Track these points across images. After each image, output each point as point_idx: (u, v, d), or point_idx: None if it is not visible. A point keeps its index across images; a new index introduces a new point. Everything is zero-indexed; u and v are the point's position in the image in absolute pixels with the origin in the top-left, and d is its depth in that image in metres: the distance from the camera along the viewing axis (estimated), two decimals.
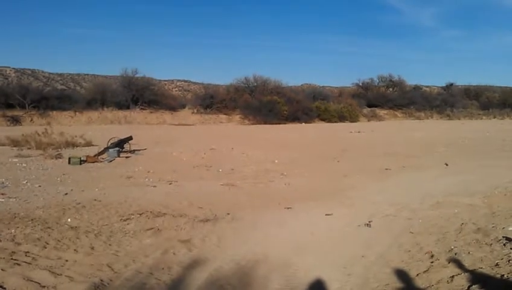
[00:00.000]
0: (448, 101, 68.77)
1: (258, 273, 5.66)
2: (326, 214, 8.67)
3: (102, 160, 16.41)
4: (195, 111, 52.17)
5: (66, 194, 10.38)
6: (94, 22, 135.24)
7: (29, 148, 18.94)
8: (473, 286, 4.62)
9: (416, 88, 76.90)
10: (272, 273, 5.66)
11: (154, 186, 11.89)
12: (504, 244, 5.83)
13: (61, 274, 5.35)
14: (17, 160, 15.79)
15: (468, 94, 76.54)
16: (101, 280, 5.24)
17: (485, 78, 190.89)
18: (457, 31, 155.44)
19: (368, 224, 7.83)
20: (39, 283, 5.05)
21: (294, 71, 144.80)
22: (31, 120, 41.08)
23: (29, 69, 70.37)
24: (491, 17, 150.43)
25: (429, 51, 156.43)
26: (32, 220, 7.81)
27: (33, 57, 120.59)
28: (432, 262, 5.58)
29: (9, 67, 67.71)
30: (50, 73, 72.90)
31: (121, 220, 8.11)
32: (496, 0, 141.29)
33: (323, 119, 53.48)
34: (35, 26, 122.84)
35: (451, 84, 78.79)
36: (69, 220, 7.98)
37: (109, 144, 17.96)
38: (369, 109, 62.76)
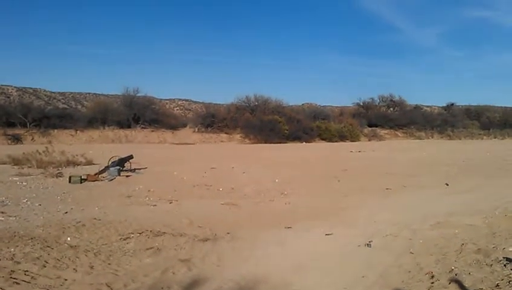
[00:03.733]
0: (448, 121, 68.94)
1: None
2: (326, 234, 8.66)
3: (102, 179, 16.41)
4: (196, 130, 52.26)
5: (66, 212, 10.38)
6: (95, 41, 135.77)
7: (30, 167, 18.94)
8: None
9: (417, 108, 77.04)
10: None
11: (155, 205, 11.90)
12: (505, 265, 5.80)
13: None
14: (17, 178, 15.80)
15: (469, 114, 76.60)
16: None
17: (486, 98, 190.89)
18: (458, 51, 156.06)
19: (368, 244, 7.81)
20: None
21: (295, 91, 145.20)
22: (32, 139, 41.14)
23: (31, 88, 70.53)
24: (492, 37, 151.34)
25: (430, 71, 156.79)
26: (31, 238, 7.80)
27: (35, 76, 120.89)
28: (432, 283, 5.56)
29: (11, 86, 67.91)
30: (51, 92, 73.09)
31: (120, 239, 8.10)
32: (497, 21, 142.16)
33: (324, 139, 53.50)
34: (37, 45, 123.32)
35: (452, 104, 79.04)
36: (68, 239, 7.97)
37: (110, 162, 17.96)
38: (369, 128, 62.82)
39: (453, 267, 6.00)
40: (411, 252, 7.12)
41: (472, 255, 6.56)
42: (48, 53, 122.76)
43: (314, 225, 9.50)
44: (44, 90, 72.53)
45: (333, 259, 7.10)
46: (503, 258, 6.12)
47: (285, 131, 50.12)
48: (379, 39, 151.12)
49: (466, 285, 5.26)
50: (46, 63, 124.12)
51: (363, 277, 6.17)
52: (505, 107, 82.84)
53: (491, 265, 5.91)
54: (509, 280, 5.20)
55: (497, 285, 5.11)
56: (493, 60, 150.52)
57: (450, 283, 5.40)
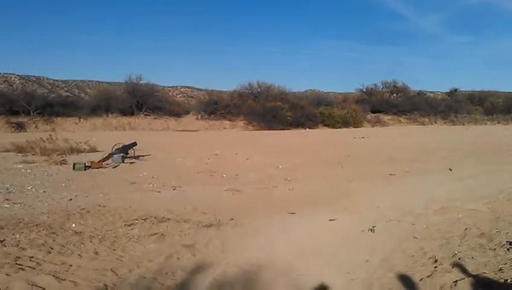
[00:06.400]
0: (452, 107, 68.61)
1: (261, 279, 5.67)
2: (330, 219, 8.67)
3: (106, 166, 16.45)
4: (199, 117, 52.20)
5: (71, 199, 10.42)
6: (97, 29, 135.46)
7: (33, 155, 18.98)
8: None
9: (421, 94, 76.68)
10: (275, 279, 5.66)
11: (158, 191, 11.93)
12: (508, 249, 5.82)
13: (65, 279, 5.37)
14: (21, 166, 15.84)
15: (472, 100, 76.22)
16: (105, 285, 5.26)
17: (489, 84, 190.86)
18: (461, 37, 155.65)
19: (371, 229, 7.83)
20: (43, 288, 5.07)
21: (298, 77, 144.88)
22: (36, 126, 41.19)
23: (34, 76, 70.41)
24: (495, 23, 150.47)
25: (433, 57, 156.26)
26: (36, 225, 7.84)
27: (38, 64, 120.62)
28: (436, 267, 5.57)
29: (14, 74, 67.83)
30: (54, 80, 72.99)
31: (125, 225, 8.14)
32: (500, 7, 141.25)
33: (327, 125, 53.38)
34: (39, 33, 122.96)
35: (456, 90, 78.67)
36: (73, 225, 8.01)
37: (113, 149, 18.00)
38: (373, 114, 62.67)
39: (456, 252, 6.02)
40: (414, 237, 7.15)
41: (475, 239, 6.58)
42: (50, 41, 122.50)
43: (318, 211, 9.52)
44: (47, 78, 72.43)
45: (336, 244, 7.12)
46: (507, 242, 6.14)
47: (289, 118, 49.99)
48: (382, 25, 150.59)
49: (469, 269, 5.27)
50: (48, 51, 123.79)
51: (366, 261, 6.19)
52: (509, 92, 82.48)
53: (495, 249, 5.93)
54: None
55: (501, 269, 5.13)
56: (497, 46, 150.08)
57: (453, 267, 5.42)
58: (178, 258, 6.37)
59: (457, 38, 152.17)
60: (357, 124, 55.66)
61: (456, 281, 5.01)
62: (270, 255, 6.55)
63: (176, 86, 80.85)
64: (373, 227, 7.93)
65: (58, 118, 43.66)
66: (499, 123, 63.46)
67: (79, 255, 6.33)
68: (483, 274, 5.05)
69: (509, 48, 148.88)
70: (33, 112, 42.90)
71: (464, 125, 60.44)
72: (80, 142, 22.00)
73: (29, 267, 5.69)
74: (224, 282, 5.54)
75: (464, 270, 5.27)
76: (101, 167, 16.05)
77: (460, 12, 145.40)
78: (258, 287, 5.44)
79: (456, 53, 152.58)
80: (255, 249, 6.90)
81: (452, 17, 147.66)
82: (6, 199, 10.26)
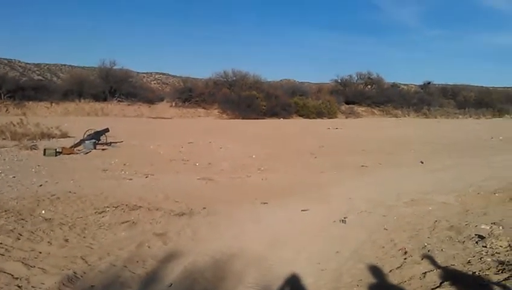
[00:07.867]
0: (425, 100, 69.23)
1: (233, 268, 5.68)
2: (302, 210, 8.72)
3: (78, 152, 16.23)
4: (173, 104, 51.75)
5: (41, 185, 10.27)
6: (71, 12, 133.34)
7: (4, 139, 18.63)
8: (445, 283, 4.68)
9: (394, 86, 77.14)
10: (246, 268, 5.68)
11: (130, 179, 11.82)
12: (476, 242, 5.91)
13: (34, 266, 5.31)
14: None
15: (445, 93, 77.04)
16: (75, 273, 5.21)
17: (462, 78, 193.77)
18: (436, 31, 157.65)
19: (343, 220, 7.89)
20: (12, 275, 5.01)
21: (273, 67, 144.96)
22: (7, 110, 40.39)
23: (6, 59, 69.28)
24: (469, 17, 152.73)
25: (407, 50, 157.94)
26: (5, 211, 7.72)
27: (9, 46, 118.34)
28: (405, 258, 5.64)
29: None
30: (26, 63, 71.93)
31: (96, 212, 8.06)
32: (475, 1, 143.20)
33: (301, 115, 53.40)
34: (11, 15, 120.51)
35: (429, 83, 79.46)
36: (43, 212, 7.91)
37: (85, 135, 17.80)
38: (347, 105, 62.91)
39: (426, 244, 6.10)
40: (385, 229, 7.23)
41: (445, 232, 6.68)
42: (22, 23, 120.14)
43: (290, 201, 9.56)
44: (19, 61, 71.30)
45: (308, 235, 7.17)
46: (475, 235, 6.24)
47: (263, 107, 49.81)
48: (358, 17, 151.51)
49: (438, 261, 5.34)
50: (20, 33, 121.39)
51: (337, 252, 6.24)
52: (481, 86, 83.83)
53: (463, 242, 6.02)
54: (481, 256, 5.31)
55: (469, 261, 5.21)
56: (470, 40, 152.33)
57: (422, 259, 5.49)
58: (149, 247, 6.34)
59: (432, 32, 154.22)
60: (331, 114, 55.73)
61: (425, 272, 5.07)
62: (242, 244, 6.56)
63: (151, 73, 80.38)
64: (344, 218, 8.00)
65: (30, 102, 42.85)
66: (470, 117, 64.42)
67: (48, 242, 6.26)
68: (452, 266, 5.13)
69: (483, 43, 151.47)
70: (4, 96, 42.06)
71: (436, 118, 61.18)
72: (52, 127, 21.69)
73: None
74: (195, 271, 5.53)
75: (433, 262, 5.34)
76: (73, 153, 15.82)
77: (436, 6, 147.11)
78: (229, 276, 5.44)
79: (431, 46, 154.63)
80: (226, 238, 6.91)
81: (427, 10, 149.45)
82: None
